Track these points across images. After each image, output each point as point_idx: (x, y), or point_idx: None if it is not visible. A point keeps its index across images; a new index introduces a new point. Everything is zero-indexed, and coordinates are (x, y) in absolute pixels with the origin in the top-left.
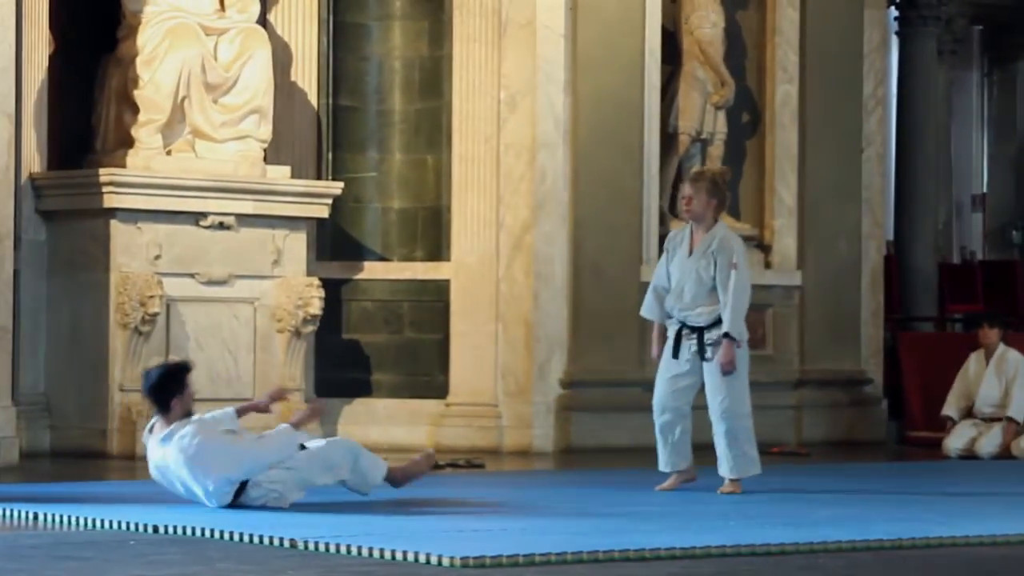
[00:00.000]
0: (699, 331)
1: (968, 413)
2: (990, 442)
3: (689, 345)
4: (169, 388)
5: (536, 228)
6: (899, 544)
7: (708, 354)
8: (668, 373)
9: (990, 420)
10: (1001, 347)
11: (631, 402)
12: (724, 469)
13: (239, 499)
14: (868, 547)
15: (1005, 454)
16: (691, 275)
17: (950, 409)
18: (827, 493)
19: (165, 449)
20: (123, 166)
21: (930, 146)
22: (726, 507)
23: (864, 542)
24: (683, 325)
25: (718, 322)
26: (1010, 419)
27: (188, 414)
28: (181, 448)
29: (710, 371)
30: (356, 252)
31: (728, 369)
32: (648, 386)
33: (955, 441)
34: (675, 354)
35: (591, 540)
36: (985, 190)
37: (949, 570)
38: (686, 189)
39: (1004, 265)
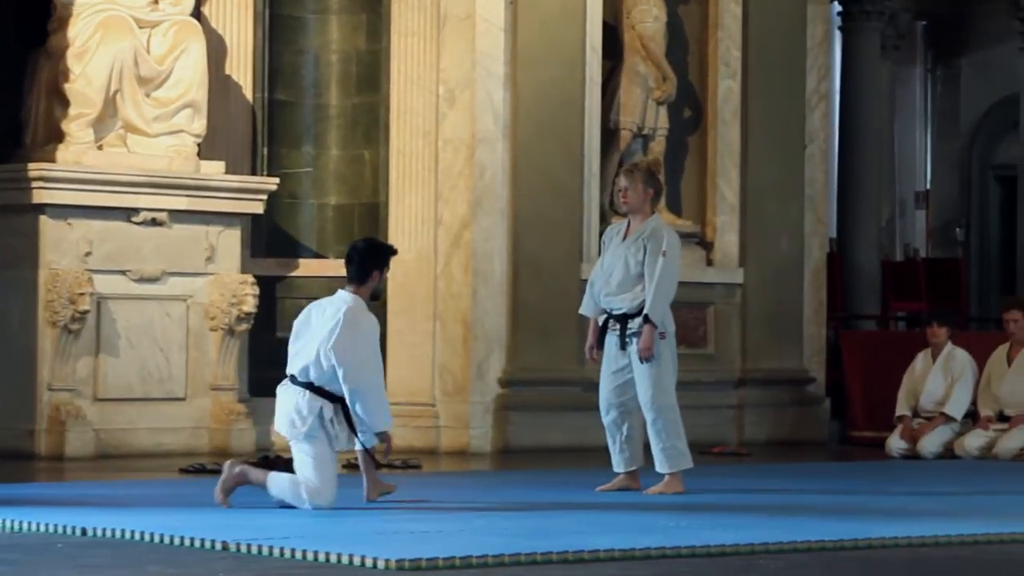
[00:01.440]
0: (623, 320)
1: (916, 412)
2: (932, 441)
3: (613, 335)
4: (375, 260)
5: (475, 225)
6: (840, 545)
7: (631, 344)
8: (609, 369)
9: (930, 418)
10: (949, 346)
11: (571, 401)
12: (656, 465)
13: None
14: (809, 548)
15: (948, 453)
16: (620, 261)
17: (903, 408)
18: (768, 493)
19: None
20: (53, 161)
21: (873, 142)
22: (665, 509)
23: (805, 543)
24: (608, 315)
25: (641, 311)
26: (944, 415)
27: (375, 297)
28: (350, 311)
29: (635, 361)
30: (291, 249)
31: (647, 356)
32: (588, 385)
33: (898, 441)
34: (600, 344)
35: (529, 542)
36: (928, 187)
37: (890, 571)
38: (621, 181)
39: (948, 263)
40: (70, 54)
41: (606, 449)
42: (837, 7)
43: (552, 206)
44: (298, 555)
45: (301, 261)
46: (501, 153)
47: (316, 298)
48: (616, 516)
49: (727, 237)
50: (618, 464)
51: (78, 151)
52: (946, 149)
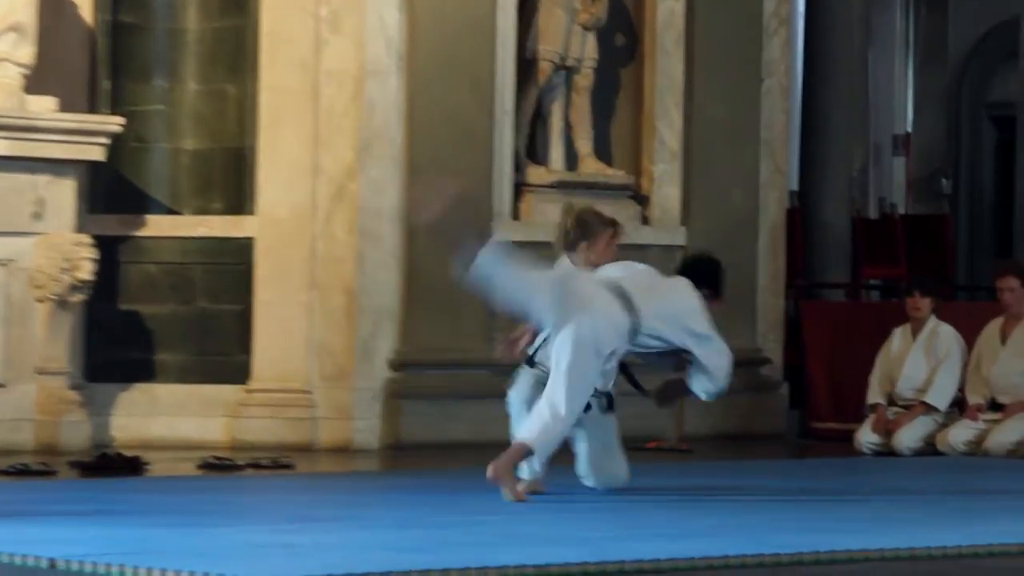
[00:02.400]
0: None
1: (891, 400)
2: (910, 434)
3: None
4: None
5: (362, 175)
6: (799, 559)
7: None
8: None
9: (908, 406)
10: (932, 320)
11: (475, 388)
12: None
13: None
14: (760, 563)
15: (929, 449)
16: None
17: (875, 395)
18: (712, 497)
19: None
20: None
21: (844, 76)
22: (587, 515)
23: (755, 557)
24: None
25: None
26: (925, 404)
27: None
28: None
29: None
30: (138, 204)
31: None
32: (496, 368)
33: (870, 435)
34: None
35: (423, 557)
36: (909, 130)
37: None
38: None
39: (931, 220)
40: None
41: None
42: None
43: (456, 153)
44: (142, 574)
45: (150, 218)
46: (394, 88)
47: (168, 263)
48: (528, 526)
49: (667, 190)
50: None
51: None
52: (931, 84)
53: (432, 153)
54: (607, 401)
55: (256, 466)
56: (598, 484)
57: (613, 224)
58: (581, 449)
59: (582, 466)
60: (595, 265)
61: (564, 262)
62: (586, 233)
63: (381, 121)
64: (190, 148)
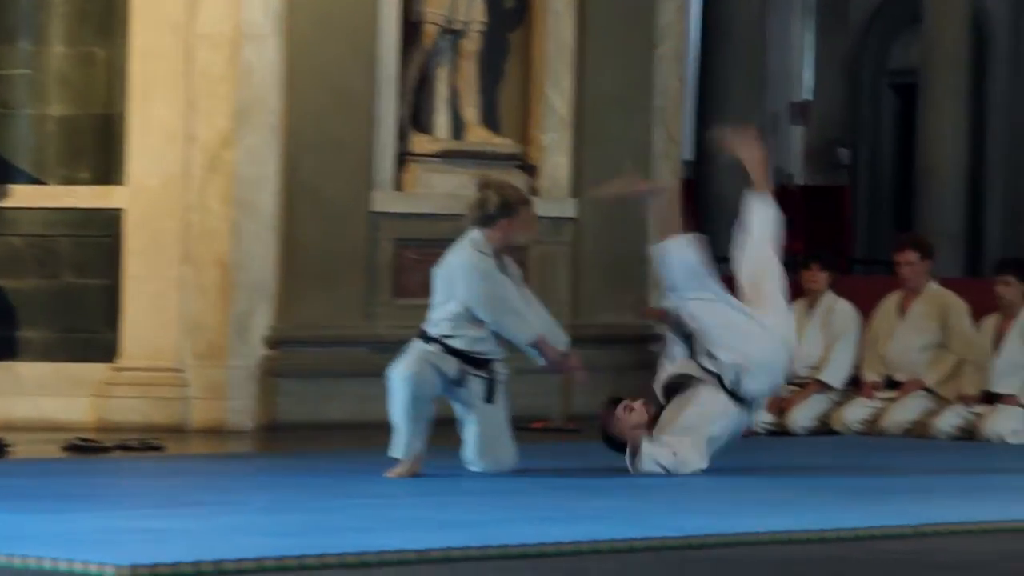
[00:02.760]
0: None
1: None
2: (804, 413)
3: None
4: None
5: (238, 143)
6: (687, 542)
7: None
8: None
9: (802, 384)
10: (829, 295)
11: (354, 366)
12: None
13: None
14: (649, 546)
15: (824, 428)
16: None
17: None
18: (600, 479)
19: None
20: None
21: (740, 42)
22: (469, 498)
23: (644, 540)
24: None
25: None
26: (820, 381)
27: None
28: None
29: None
30: (1, 173)
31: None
32: (377, 345)
33: (763, 413)
34: None
35: (300, 541)
36: (808, 97)
37: (748, 574)
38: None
39: (829, 192)
40: None
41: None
42: None
43: (336, 120)
44: (1, 560)
45: (14, 188)
46: (272, 52)
47: (31, 235)
48: (408, 509)
49: (556, 159)
50: (404, 448)
51: None
52: (830, 50)
53: (312, 121)
54: (488, 386)
55: (124, 448)
56: (486, 469)
57: (531, 203)
58: (469, 433)
59: (469, 451)
60: (508, 244)
61: (475, 236)
62: (508, 210)
63: (258, 87)
64: (56, 114)
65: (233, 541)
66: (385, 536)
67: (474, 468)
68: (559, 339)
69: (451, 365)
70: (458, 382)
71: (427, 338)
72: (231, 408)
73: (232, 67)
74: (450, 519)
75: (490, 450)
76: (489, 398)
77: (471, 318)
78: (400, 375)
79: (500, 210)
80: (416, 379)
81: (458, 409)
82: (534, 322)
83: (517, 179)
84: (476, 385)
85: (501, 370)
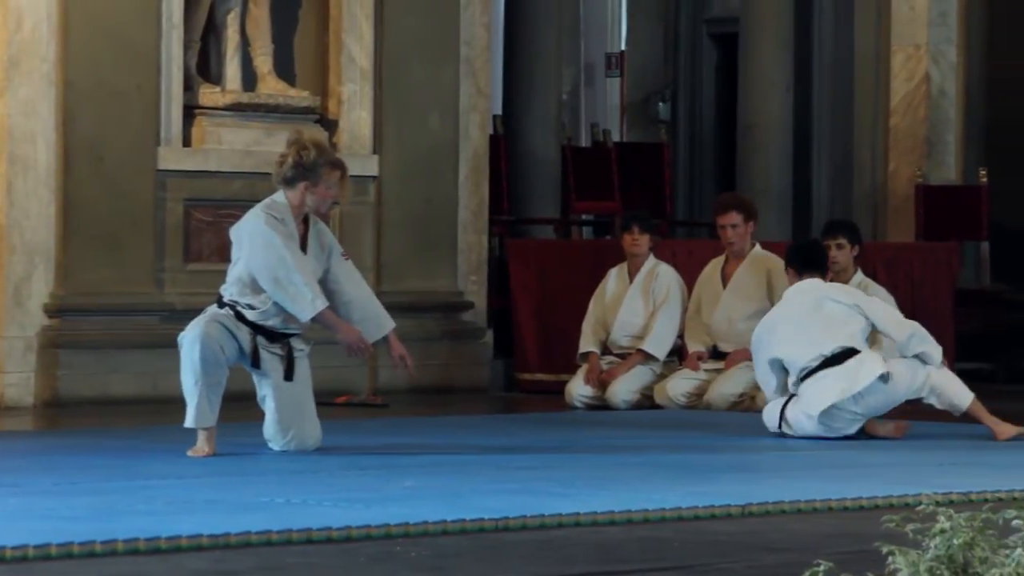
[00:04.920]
0: None
1: (606, 348)
2: (626, 386)
3: None
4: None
5: (9, 95)
6: (505, 524)
7: None
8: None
9: (624, 355)
10: (651, 260)
11: (143, 336)
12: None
13: None
14: (464, 529)
15: (647, 402)
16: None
17: (588, 343)
18: (410, 457)
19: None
20: None
21: None
22: (269, 479)
23: (457, 523)
24: None
25: None
26: (643, 352)
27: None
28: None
29: None
30: None
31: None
32: (167, 314)
33: (582, 387)
34: None
35: (84, 526)
36: (624, 47)
37: (569, 557)
38: None
39: (647, 148)
40: None
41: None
42: None
43: (118, 70)
44: None
45: None
46: None
47: None
48: (203, 491)
49: (357, 113)
50: (201, 417)
51: None
52: None
53: (90, 71)
54: (287, 363)
55: None
56: (287, 448)
57: (341, 167)
58: (269, 410)
59: (269, 428)
60: (312, 210)
61: (277, 197)
62: (307, 172)
63: (29, 34)
64: None
65: (14, 526)
66: (179, 520)
67: (275, 446)
68: (383, 323)
69: (245, 335)
70: (253, 358)
71: (221, 302)
72: (8, 382)
73: (0, 13)
74: (250, 501)
75: (291, 428)
76: (287, 376)
77: (256, 286)
78: (189, 337)
79: (298, 171)
80: (206, 340)
81: (256, 382)
82: (316, 298)
83: (316, 134)
84: (273, 362)
85: (300, 346)
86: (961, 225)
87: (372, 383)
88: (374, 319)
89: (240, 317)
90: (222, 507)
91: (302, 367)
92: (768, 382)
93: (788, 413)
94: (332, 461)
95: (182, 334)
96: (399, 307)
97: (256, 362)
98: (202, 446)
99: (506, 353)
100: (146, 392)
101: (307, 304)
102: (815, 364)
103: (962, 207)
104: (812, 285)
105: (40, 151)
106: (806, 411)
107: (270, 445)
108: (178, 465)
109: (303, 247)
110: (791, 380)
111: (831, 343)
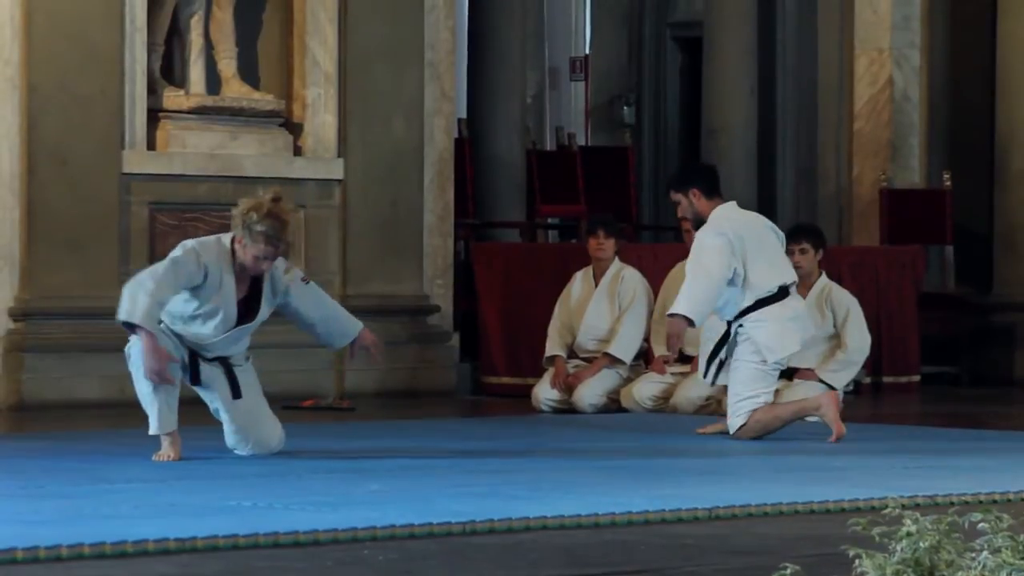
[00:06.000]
0: None
1: (572, 352)
2: (592, 390)
3: None
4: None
5: None
6: (472, 528)
7: None
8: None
9: (590, 359)
10: (616, 263)
11: (108, 340)
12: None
13: None
14: (431, 532)
15: (614, 405)
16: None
17: (554, 347)
18: (376, 461)
19: None
20: None
21: None
22: (235, 483)
23: (425, 526)
24: None
25: None
26: (609, 356)
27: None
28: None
29: None
30: None
31: None
32: None
33: (548, 391)
34: None
35: (50, 531)
36: (588, 51)
37: (536, 560)
38: None
39: (612, 152)
40: None
41: None
42: None
43: (81, 74)
44: None
45: None
46: None
47: None
48: (169, 495)
49: (321, 117)
50: (165, 423)
51: None
52: (610, 1)
53: (54, 74)
54: (230, 382)
55: None
56: (252, 452)
57: (274, 249)
58: (225, 423)
59: (230, 438)
60: (244, 265)
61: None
62: (246, 229)
63: None
64: None
65: None
66: (146, 524)
67: (240, 452)
68: (348, 329)
69: (184, 351)
70: (193, 376)
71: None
72: None
73: None
74: (216, 505)
75: (251, 436)
76: (235, 394)
77: (183, 319)
78: (138, 347)
79: (241, 224)
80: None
81: (205, 398)
82: (143, 315)
83: (279, 139)
84: (217, 377)
85: (238, 361)
86: (925, 228)
87: (339, 386)
88: (338, 329)
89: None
90: (188, 511)
91: (247, 379)
92: (713, 304)
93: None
94: (299, 464)
95: (128, 346)
96: (365, 311)
97: (196, 379)
98: (167, 450)
99: (472, 356)
100: (112, 396)
101: (135, 311)
102: (771, 293)
103: (926, 211)
104: (744, 212)
105: (3, 155)
106: (763, 354)
107: (235, 451)
108: (144, 469)
109: (256, 294)
110: (729, 311)
111: (789, 274)
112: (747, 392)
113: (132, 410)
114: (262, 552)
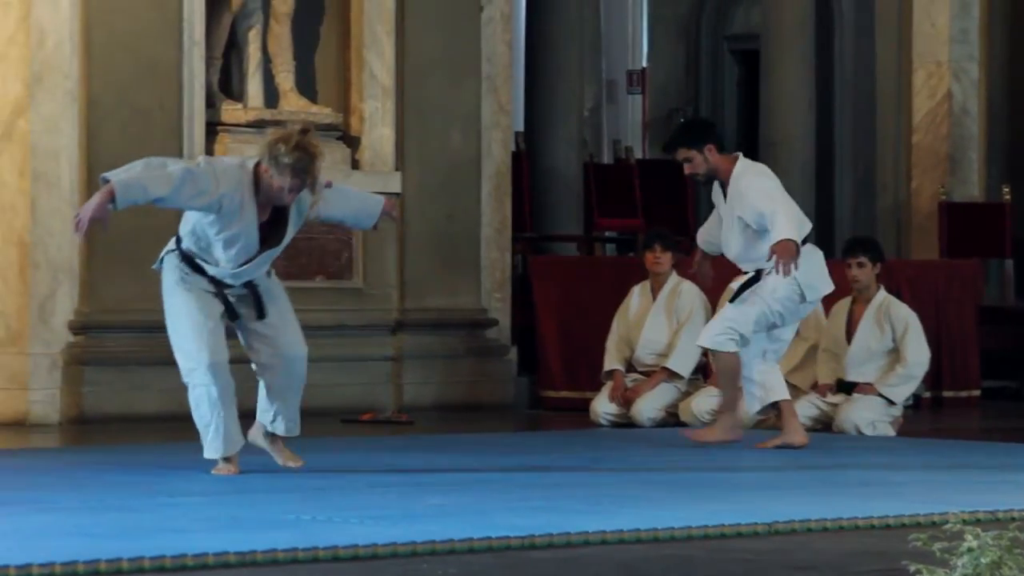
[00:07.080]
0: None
1: (631, 366)
2: (651, 404)
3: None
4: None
5: (33, 111)
6: (531, 542)
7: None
8: (203, 314)
9: (648, 373)
10: (674, 277)
11: (167, 353)
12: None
13: None
14: (490, 547)
15: (672, 420)
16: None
17: (612, 361)
18: (434, 475)
19: None
20: None
21: (572, 5)
22: (296, 496)
23: (484, 540)
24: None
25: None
26: (667, 370)
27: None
28: None
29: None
30: None
31: None
32: None
33: (607, 405)
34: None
35: (111, 544)
36: (645, 64)
37: (595, 575)
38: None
39: (669, 165)
40: None
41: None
42: None
43: (140, 87)
44: None
45: None
46: (67, 13)
47: None
48: (228, 508)
49: (379, 131)
50: (229, 444)
51: None
52: (667, 14)
53: (113, 87)
54: (256, 302)
55: None
56: (279, 372)
57: (300, 180)
58: (255, 341)
59: (260, 356)
60: (264, 192)
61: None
62: (271, 159)
63: (53, 50)
64: None
65: (41, 543)
66: (205, 538)
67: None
68: (373, 209)
69: (213, 290)
70: (230, 312)
71: (180, 251)
72: (33, 399)
73: (23, 29)
74: (276, 518)
75: (279, 343)
76: (260, 315)
77: (208, 241)
78: (198, 374)
79: (268, 154)
80: (217, 370)
81: (242, 338)
82: (128, 178)
83: (337, 152)
84: (245, 307)
85: (261, 280)
86: (985, 242)
87: (397, 400)
88: (365, 213)
89: (199, 270)
90: (248, 524)
91: (272, 292)
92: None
93: None
94: (357, 478)
95: (188, 371)
96: (423, 324)
97: (234, 314)
98: (227, 464)
99: (530, 370)
100: (170, 409)
101: (119, 173)
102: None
103: (986, 224)
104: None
105: (63, 168)
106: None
107: (261, 380)
108: (203, 482)
109: (283, 219)
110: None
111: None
112: (748, 329)
113: (190, 423)
114: (321, 566)
